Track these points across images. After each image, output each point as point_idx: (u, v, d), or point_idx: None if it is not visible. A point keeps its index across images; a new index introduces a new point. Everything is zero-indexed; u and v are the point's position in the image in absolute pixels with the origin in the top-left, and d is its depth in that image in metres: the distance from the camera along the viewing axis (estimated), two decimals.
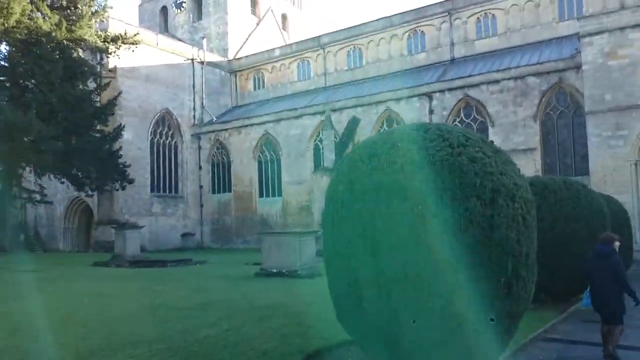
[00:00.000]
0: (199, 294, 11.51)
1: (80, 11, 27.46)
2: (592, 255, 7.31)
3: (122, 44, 29.95)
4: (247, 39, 47.86)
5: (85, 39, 26.08)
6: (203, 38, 45.47)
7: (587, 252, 7.76)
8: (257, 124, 38.32)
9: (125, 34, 30.27)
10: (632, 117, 22.26)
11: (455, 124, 30.57)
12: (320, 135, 34.43)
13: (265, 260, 15.96)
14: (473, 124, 30.12)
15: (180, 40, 45.66)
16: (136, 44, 30.78)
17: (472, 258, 4.96)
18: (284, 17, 52.99)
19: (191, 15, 49.11)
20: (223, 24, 47.22)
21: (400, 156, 5.27)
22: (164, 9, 51.35)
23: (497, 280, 5.06)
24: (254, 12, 49.82)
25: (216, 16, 47.46)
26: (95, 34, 28.38)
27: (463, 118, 30.54)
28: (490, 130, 29.28)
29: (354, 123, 33.30)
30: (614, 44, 22.81)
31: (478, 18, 34.95)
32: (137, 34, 31.06)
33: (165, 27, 50.76)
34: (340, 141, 33.39)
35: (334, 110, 34.67)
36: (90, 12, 27.54)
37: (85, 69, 26.66)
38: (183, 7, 49.52)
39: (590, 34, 23.25)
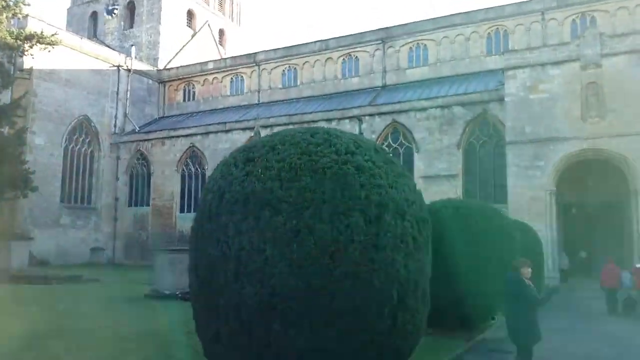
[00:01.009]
0: (59, 320, 9.93)
1: None
2: (505, 281, 6.84)
3: (38, 44, 27.69)
4: (180, 50, 46.41)
5: None
6: (132, 45, 43.54)
7: (496, 276, 7.37)
8: (183, 136, 36.82)
9: (42, 33, 28.07)
10: (549, 149, 22.94)
11: (383, 149, 30.68)
12: None
13: (157, 280, 14.42)
14: (400, 149, 30.27)
15: (108, 47, 43.52)
16: (53, 44, 28.55)
17: (351, 284, 4.20)
18: (221, 32, 52.09)
19: (122, 23, 47.16)
20: (155, 33, 45.60)
21: (279, 161, 4.48)
22: (94, 15, 49.11)
23: (380, 311, 4.33)
24: (190, 25, 48.56)
25: (148, 25, 45.81)
26: (7, 31, 26.09)
27: (391, 142, 30.62)
28: (416, 155, 29.48)
29: None
30: (535, 79, 23.58)
31: (410, 48, 35.60)
32: (55, 34, 28.87)
33: (94, 33, 48.43)
34: None
35: (265, 127, 33.67)
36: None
37: None
38: (115, 14, 47.48)
39: (514, 68, 23.95)
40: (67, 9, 50.61)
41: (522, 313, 6.49)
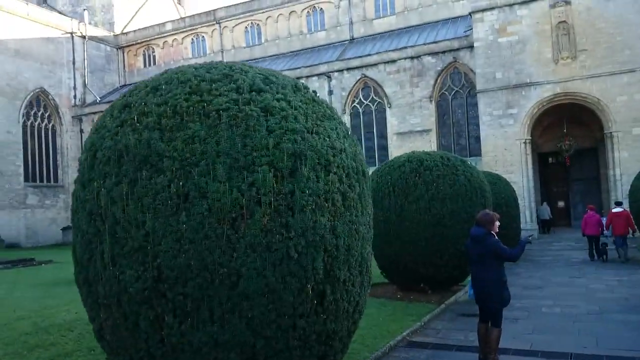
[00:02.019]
0: None
1: None
2: (469, 239, 5.96)
3: None
4: (137, 12, 43.96)
5: None
6: (84, 9, 41.00)
7: (466, 233, 6.53)
8: None
9: None
10: (522, 96, 22.11)
11: (354, 106, 29.62)
12: None
13: None
14: (372, 105, 29.25)
15: (60, 12, 40.89)
16: None
17: (261, 257, 3.23)
18: None
19: None
20: None
21: (159, 104, 3.42)
22: None
23: (301, 288, 3.39)
24: None
25: None
26: None
27: (362, 99, 29.53)
28: (388, 111, 28.51)
29: None
30: (503, 21, 22.49)
31: None
32: None
33: None
34: None
35: None
36: None
37: None
38: None
39: (482, 10, 22.80)
40: None
41: (489, 273, 5.65)
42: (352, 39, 34.17)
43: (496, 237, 5.71)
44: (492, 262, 5.62)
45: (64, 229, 34.91)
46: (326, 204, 3.57)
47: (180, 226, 3.23)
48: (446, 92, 27.53)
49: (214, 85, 3.60)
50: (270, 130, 3.50)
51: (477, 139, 25.33)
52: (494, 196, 14.03)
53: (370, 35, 33.61)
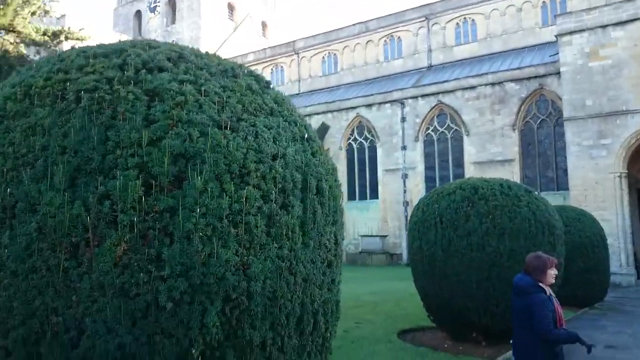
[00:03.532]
0: None
1: None
2: (512, 289, 4.46)
3: (65, 40, 27.46)
4: (222, 43, 45.60)
5: (15, 30, 23.43)
6: (173, 41, 43.06)
7: None
8: None
9: (69, 29, 27.75)
10: (616, 125, 19.47)
11: (428, 133, 28.04)
12: None
13: None
14: (447, 133, 27.49)
15: None
16: (82, 40, 28.20)
17: (113, 304, 2.14)
18: (263, 24, 51.01)
19: (165, 20, 47.09)
20: (196, 29, 45.10)
21: (14, 85, 2.50)
22: (138, 13, 49.49)
23: (181, 355, 2.24)
24: (231, 18, 47.75)
25: (190, 20, 45.44)
26: (33, 28, 25.90)
27: (437, 126, 27.89)
28: (466, 139, 26.60)
29: (322, 130, 30.84)
30: (594, 44, 20.12)
31: (457, 23, 32.46)
32: (82, 29, 28.52)
33: (139, 32, 48.82)
34: None
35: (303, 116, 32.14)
36: (19, 1, 24.99)
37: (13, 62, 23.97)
38: (157, 11, 47.56)
39: (569, 33, 20.58)
40: (113, 10, 51.38)
41: (528, 338, 4.12)
42: (430, 66, 32.77)
43: (547, 293, 4.15)
44: (529, 322, 4.08)
45: None
46: (233, 230, 2.42)
47: (2, 251, 2.23)
48: (531, 121, 25.19)
49: (92, 60, 2.62)
50: (150, 121, 2.44)
51: (567, 171, 22.71)
52: (577, 235, 11.98)
53: (449, 63, 32.04)
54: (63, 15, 31.42)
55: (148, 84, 2.56)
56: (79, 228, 2.26)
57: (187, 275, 2.29)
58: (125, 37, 39.86)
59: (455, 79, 27.76)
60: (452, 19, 32.47)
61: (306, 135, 3.01)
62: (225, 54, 44.50)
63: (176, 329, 2.29)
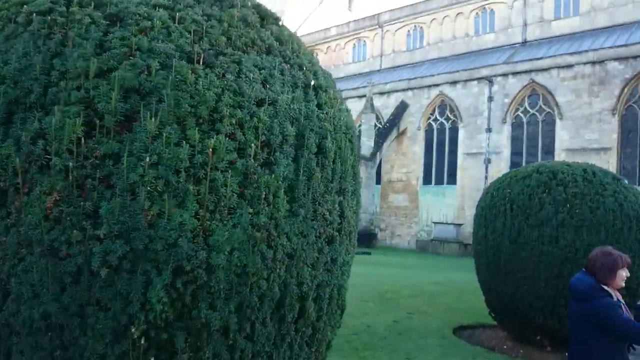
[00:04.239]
0: None
1: None
2: (570, 291, 3.70)
3: None
4: (307, 18, 45.27)
5: None
6: None
7: None
8: None
9: None
10: None
11: (517, 115, 26.16)
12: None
13: None
14: (538, 115, 25.52)
15: None
16: None
17: (40, 265, 1.78)
18: None
19: None
20: (282, 2, 44.94)
21: None
22: None
23: (118, 332, 1.84)
24: None
25: None
26: None
27: (527, 107, 25.94)
28: (559, 123, 24.54)
29: (400, 108, 29.84)
30: None
31: None
32: None
33: None
34: (383, 127, 29.92)
35: (382, 94, 31.32)
36: None
37: None
38: None
39: None
40: None
41: (592, 354, 3.36)
42: (524, 42, 30.41)
43: (614, 298, 3.36)
44: (598, 336, 3.31)
45: None
46: (193, 188, 1.96)
47: None
48: (634, 105, 22.72)
49: None
50: (105, 49, 2.02)
51: None
52: None
53: (546, 38, 29.52)
54: None
55: (112, 7, 2.14)
56: (8, 171, 1.91)
57: (128, 238, 1.87)
58: None
59: (550, 56, 25.55)
60: None
61: (313, 83, 2.47)
62: (309, 28, 44.20)
63: (113, 301, 1.89)
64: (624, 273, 3.41)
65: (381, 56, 37.16)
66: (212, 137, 2.01)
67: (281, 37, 2.57)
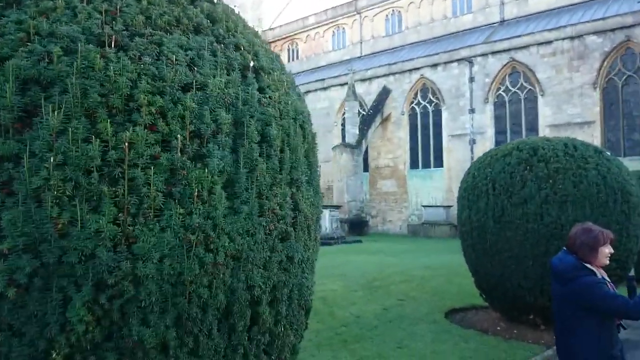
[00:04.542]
0: None
1: None
2: (551, 272, 3.50)
3: None
4: (285, 7, 44.75)
5: None
6: (235, 6, 42.82)
7: None
8: None
9: None
10: None
11: (499, 94, 26.02)
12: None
13: None
14: (520, 93, 25.41)
15: None
16: None
17: None
18: None
19: None
20: None
21: None
22: None
23: None
24: None
25: None
26: None
27: (508, 86, 25.80)
28: (540, 100, 24.45)
29: (383, 94, 29.59)
30: None
31: None
32: None
33: None
34: (367, 114, 29.67)
35: (363, 80, 31.05)
36: None
37: None
38: None
39: None
40: None
41: (576, 338, 3.16)
42: (502, 21, 30.24)
43: (598, 276, 3.16)
44: (583, 318, 3.11)
45: None
46: (109, 189, 1.70)
47: None
48: (615, 78, 22.66)
49: None
50: None
51: None
52: None
53: (524, 16, 29.37)
54: None
55: None
56: None
57: (37, 252, 1.62)
58: None
59: (529, 34, 25.41)
60: None
61: (252, 64, 2.21)
62: (286, 18, 43.69)
63: (27, 325, 1.64)
64: (606, 250, 3.21)
65: (361, 43, 36.83)
66: (129, 130, 1.75)
67: (214, 14, 2.31)
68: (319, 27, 39.62)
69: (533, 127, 24.80)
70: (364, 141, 28.62)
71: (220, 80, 2.04)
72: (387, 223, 30.10)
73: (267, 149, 2.15)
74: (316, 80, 33.95)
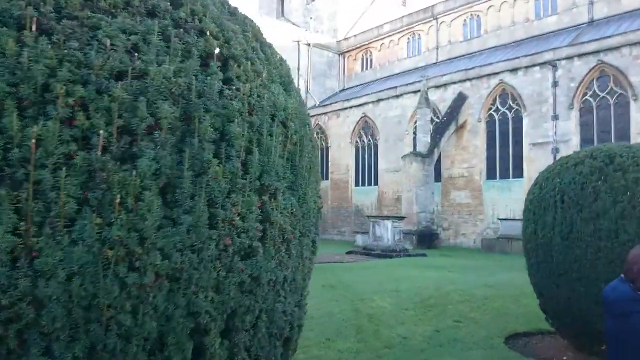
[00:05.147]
0: None
1: None
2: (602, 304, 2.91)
3: None
4: (360, 16, 44.66)
5: None
6: (311, 18, 43.41)
7: None
8: (355, 106, 35.07)
9: None
10: None
11: (586, 99, 24.12)
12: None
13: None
14: (609, 98, 23.39)
15: (294, 24, 44.35)
16: None
17: None
18: None
19: None
20: (334, 4, 44.70)
21: None
22: None
23: None
24: None
25: None
26: None
27: (596, 91, 23.84)
28: (633, 105, 22.37)
29: (458, 100, 28.47)
30: None
31: None
32: None
33: (281, 12, 50.04)
34: (441, 121, 28.64)
35: (438, 87, 30.08)
36: None
37: None
38: None
39: None
40: None
41: None
42: (591, 22, 28.20)
43: None
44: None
45: None
46: (4, 193, 1.45)
47: None
48: None
49: None
50: None
51: None
52: None
53: (615, 15, 27.21)
54: None
55: None
56: None
57: None
58: (268, 19, 41.11)
59: (621, 34, 23.38)
60: None
61: (217, 51, 1.90)
62: (362, 27, 43.52)
63: None
64: None
65: (437, 48, 35.85)
66: (38, 124, 1.50)
67: None
68: (393, 34, 39.09)
69: (624, 135, 22.69)
70: (436, 150, 27.62)
71: (168, 68, 1.74)
72: (460, 236, 28.76)
73: (226, 149, 1.82)
74: (388, 88, 33.36)
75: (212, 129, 1.79)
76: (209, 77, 1.86)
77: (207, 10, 2.07)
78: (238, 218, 1.85)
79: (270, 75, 2.15)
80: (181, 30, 1.91)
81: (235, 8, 2.31)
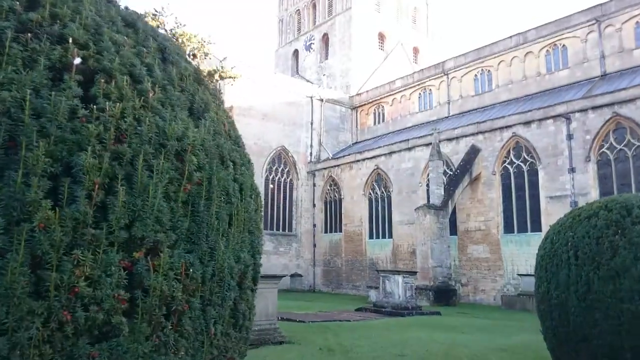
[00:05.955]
0: None
1: None
2: None
3: (220, 78, 29.30)
4: (372, 73, 45.39)
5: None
6: (324, 75, 44.17)
7: None
8: (368, 159, 34.92)
9: (222, 68, 29.53)
10: None
11: (602, 152, 23.46)
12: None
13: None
14: (628, 151, 22.76)
15: (308, 81, 45.23)
16: (234, 77, 29.90)
17: None
18: (415, 50, 49.76)
19: (319, 56, 48.74)
20: (347, 61, 45.66)
21: None
22: (296, 53, 52.16)
23: None
24: (381, 47, 47.46)
25: (341, 54, 46.31)
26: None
27: (613, 143, 23.27)
28: None
29: (471, 153, 27.98)
30: None
31: (638, 22, 27.36)
32: (234, 67, 30.22)
33: (296, 69, 51.27)
34: (454, 174, 28.06)
35: (450, 140, 29.78)
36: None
37: None
38: (312, 49, 49.55)
39: None
40: (275, 52, 54.75)
41: None
42: (603, 75, 27.96)
43: None
44: None
45: (292, 276, 36.22)
46: None
47: None
48: None
49: None
50: None
51: None
52: None
53: (628, 69, 26.98)
54: (225, 58, 34.05)
55: None
56: None
57: None
58: (283, 76, 41.92)
59: (634, 86, 23.00)
60: (632, 17, 27.44)
61: (77, 62, 1.44)
62: (374, 83, 44.06)
63: None
64: None
65: (448, 102, 35.86)
66: None
67: None
68: (405, 89, 39.37)
69: None
70: (450, 202, 26.93)
71: None
72: (480, 293, 27.49)
73: (69, 187, 1.33)
74: (401, 141, 33.21)
75: (48, 159, 1.31)
76: (60, 93, 1.40)
77: (78, 15, 1.64)
78: (85, 283, 1.33)
79: (169, 98, 1.68)
80: (28, 35, 1.48)
81: (139, 16, 1.87)
